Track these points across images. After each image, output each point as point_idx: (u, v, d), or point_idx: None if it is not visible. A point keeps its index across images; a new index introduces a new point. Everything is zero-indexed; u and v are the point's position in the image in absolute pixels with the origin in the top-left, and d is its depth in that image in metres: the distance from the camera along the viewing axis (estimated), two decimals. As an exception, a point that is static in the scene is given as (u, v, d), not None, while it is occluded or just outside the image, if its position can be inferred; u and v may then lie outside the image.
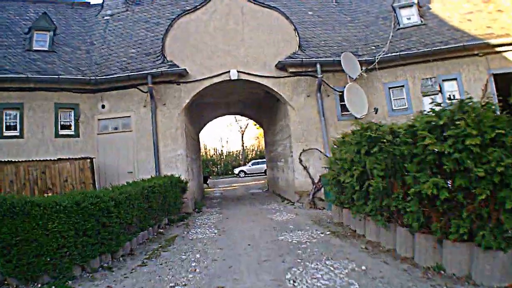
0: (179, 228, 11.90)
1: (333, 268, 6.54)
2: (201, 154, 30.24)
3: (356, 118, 14.40)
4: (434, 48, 14.70)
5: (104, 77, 15.02)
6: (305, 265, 6.81)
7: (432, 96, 14.42)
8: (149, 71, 14.77)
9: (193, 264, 7.52)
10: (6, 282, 6.36)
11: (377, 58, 15.09)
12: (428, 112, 6.23)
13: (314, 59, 15.16)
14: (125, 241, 8.52)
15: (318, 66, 14.89)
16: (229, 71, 15.27)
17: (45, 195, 12.03)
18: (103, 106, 15.20)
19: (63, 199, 6.86)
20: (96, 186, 13.73)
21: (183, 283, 6.35)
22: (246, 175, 43.70)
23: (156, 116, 14.92)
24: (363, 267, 6.47)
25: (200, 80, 15.27)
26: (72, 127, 14.90)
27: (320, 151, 14.94)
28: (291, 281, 6.05)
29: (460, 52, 14.63)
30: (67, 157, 13.55)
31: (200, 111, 22.93)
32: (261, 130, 41.24)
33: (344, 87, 14.61)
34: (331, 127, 15.04)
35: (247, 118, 45.13)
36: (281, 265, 6.97)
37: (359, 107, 14.63)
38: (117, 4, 19.07)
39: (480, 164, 5.24)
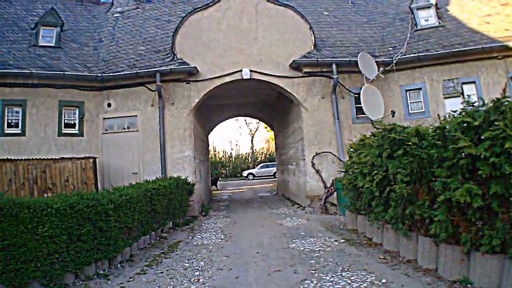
0: (184, 233, 11.31)
1: (350, 281, 5.95)
2: (210, 156, 29.87)
3: (371, 121, 13.91)
4: (453, 50, 14.27)
5: (111, 74, 14.60)
6: (320, 277, 6.21)
7: (454, 99, 13.96)
8: (157, 69, 14.32)
9: (197, 273, 6.92)
10: (-8, 289, 5.83)
11: (395, 59, 14.58)
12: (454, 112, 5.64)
13: (330, 59, 14.65)
14: (125, 247, 7.95)
15: (334, 66, 14.37)
16: (241, 70, 14.78)
17: (45, 195, 11.62)
18: (109, 105, 14.77)
19: (55, 201, 6.30)
20: (99, 187, 13.22)
21: (185, 296, 5.77)
22: (255, 178, 43.61)
23: (163, 115, 14.45)
24: (383, 280, 5.88)
25: (211, 79, 14.79)
26: (76, 126, 14.48)
27: (334, 155, 14.43)
28: (305, 296, 5.45)
29: (479, 55, 14.26)
30: (70, 157, 13.08)
31: (210, 113, 22.60)
32: (271, 133, 41.11)
33: (360, 89, 14.12)
34: (346, 130, 14.57)
35: (258, 121, 45.00)
36: (293, 277, 6.36)
37: (375, 109, 14.09)
38: (128, 1, 18.63)
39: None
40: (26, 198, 6.44)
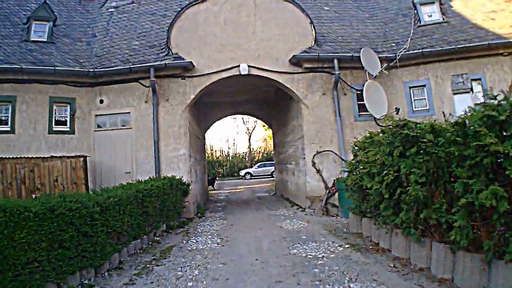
0: (178, 236, 10.69)
1: (359, 293, 5.39)
2: (206, 155, 29.44)
3: (375, 118, 13.57)
4: (459, 46, 13.87)
5: (103, 69, 14.09)
6: (325, 289, 5.64)
7: (463, 95, 13.56)
8: (152, 64, 13.80)
9: (190, 284, 6.29)
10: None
11: (399, 55, 14.10)
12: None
13: (331, 54, 14.16)
14: (113, 253, 7.35)
15: (335, 61, 13.87)
16: (239, 66, 14.26)
17: (33, 195, 11.06)
18: (101, 101, 14.26)
19: (33, 204, 5.68)
20: (90, 187, 12.65)
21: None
22: (252, 177, 43.38)
23: (158, 112, 13.94)
24: (396, 293, 5.31)
25: (208, 74, 14.27)
26: (68, 123, 13.96)
27: (335, 154, 13.91)
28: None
29: (485, 51, 13.92)
30: (60, 155, 12.53)
31: (207, 110, 22.14)
32: (268, 132, 40.94)
33: (363, 85, 13.67)
34: (347, 128, 14.07)
35: (255, 120, 44.78)
36: (296, 289, 5.78)
37: (378, 106, 13.66)
38: (123, -5, 18.06)
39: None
40: (1, 200, 5.85)
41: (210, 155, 49.22)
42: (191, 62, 13.97)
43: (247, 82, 16.21)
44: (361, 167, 8.61)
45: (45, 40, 14.91)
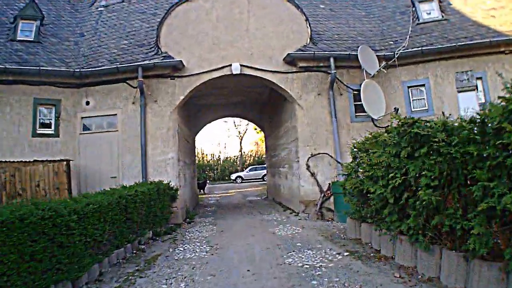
0: (165, 244, 10.04)
1: (364, 310, 4.81)
2: (196, 159, 28.99)
3: (372, 119, 13.09)
4: (460, 44, 13.41)
5: (90, 69, 13.58)
6: (326, 306, 5.07)
7: (468, 93, 13.16)
8: (140, 63, 13.32)
9: (175, 298, 5.71)
10: None
11: (397, 53, 13.63)
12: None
13: (327, 52, 13.68)
14: (92, 264, 6.73)
15: (331, 60, 13.39)
16: (230, 65, 13.76)
17: (13, 201, 10.44)
18: (87, 103, 13.74)
19: (1, 213, 5.08)
20: (73, 192, 12.05)
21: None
22: (243, 181, 43.25)
23: (145, 114, 13.40)
24: (406, 309, 4.75)
25: (198, 74, 13.76)
26: (52, 126, 13.44)
27: (331, 156, 13.40)
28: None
29: (486, 49, 13.55)
30: (43, 159, 11.96)
31: (197, 113, 21.70)
32: (260, 136, 40.65)
33: (359, 85, 13.22)
34: (344, 130, 13.59)
35: (247, 123, 44.56)
36: (294, 305, 5.20)
37: (376, 107, 13.19)
38: (113, -6, 17.54)
39: None
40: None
41: (200, 159, 49.07)
42: (181, 61, 13.47)
43: (239, 82, 15.80)
44: (362, 170, 8.07)
45: (31, 39, 14.44)
